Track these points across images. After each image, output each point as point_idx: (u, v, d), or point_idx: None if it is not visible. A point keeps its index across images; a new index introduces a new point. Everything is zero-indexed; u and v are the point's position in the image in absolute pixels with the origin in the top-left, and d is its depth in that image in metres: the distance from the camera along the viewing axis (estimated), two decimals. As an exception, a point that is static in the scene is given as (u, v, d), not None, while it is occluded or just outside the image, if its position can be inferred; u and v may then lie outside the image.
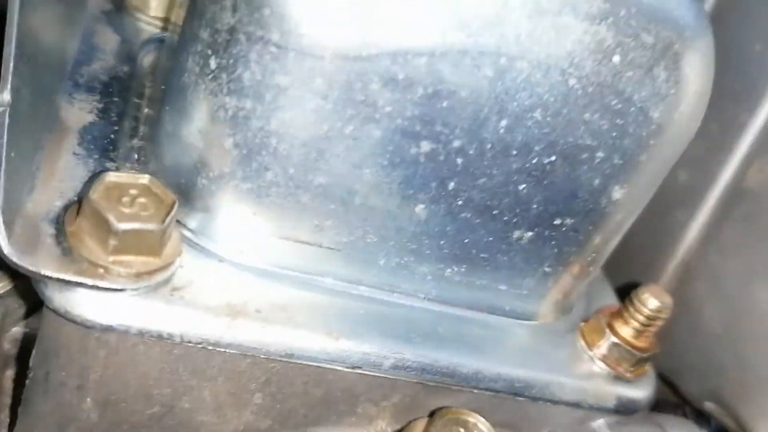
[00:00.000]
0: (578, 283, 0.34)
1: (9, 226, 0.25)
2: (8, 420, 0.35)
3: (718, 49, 0.34)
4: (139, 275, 0.26)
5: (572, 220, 0.30)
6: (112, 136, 0.32)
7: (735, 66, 0.45)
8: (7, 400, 0.35)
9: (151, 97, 0.35)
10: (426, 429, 0.30)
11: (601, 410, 0.33)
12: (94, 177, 0.28)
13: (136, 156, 0.31)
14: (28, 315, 0.37)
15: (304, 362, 0.29)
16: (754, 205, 0.44)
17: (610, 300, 0.38)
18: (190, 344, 0.28)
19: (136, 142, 0.32)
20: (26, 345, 0.35)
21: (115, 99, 0.33)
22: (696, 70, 0.28)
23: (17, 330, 0.35)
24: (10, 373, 0.35)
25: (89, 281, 0.26)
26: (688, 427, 0.36)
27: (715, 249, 0.47)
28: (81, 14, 0.37)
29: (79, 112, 0.32)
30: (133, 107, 0.34)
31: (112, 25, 0.37)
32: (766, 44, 0.45)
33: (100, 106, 0.33)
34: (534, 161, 0.28)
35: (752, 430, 0.38)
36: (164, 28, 0.39)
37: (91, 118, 0.32)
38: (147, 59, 0.37)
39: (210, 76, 0.28)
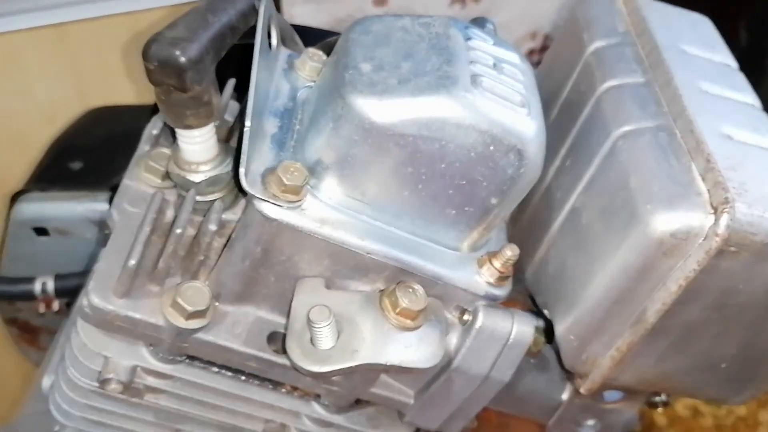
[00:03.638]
0: (481, 237, 0.63)
1: (246, 176, 0.54)
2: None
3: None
4: (290, 201, 0.55)
5: (474, 209, 0.59)
6: (283, 140, 0.60)
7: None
8: (214, 257, 0.61)
9: (301, 120, 0.66)
10: (394, 288, 0.60)
11: (479, 297, 0.63)
12: (277, 162, 0.56)
13: (292, 151, 0.60)
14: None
15: (348, 248, 0.59)
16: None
17: (503, 242, 0.65)
18: (302, 231, 0.57)
19: (293, 143, 0.63)
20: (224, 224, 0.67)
21: (286, 120, 0.64)
22: (531, 154, 0.55)
23: (217, 216, 0.61)
24: (218, 243, 0.61)
25: (270, 198, 0.54)
26: (529, 314, 0.65)
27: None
28: (274, 72, 0.67)
29: (270, 126, 0.61)
30: (293, 125, 0.63)
31: (287, 78, 0.65)
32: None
33: (279, 124, 0.63)
34: (455, 182, 0.57)
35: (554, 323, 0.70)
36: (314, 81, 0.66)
37: (275, 130, 0.61)
38: (302, 97, 0.67)
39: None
